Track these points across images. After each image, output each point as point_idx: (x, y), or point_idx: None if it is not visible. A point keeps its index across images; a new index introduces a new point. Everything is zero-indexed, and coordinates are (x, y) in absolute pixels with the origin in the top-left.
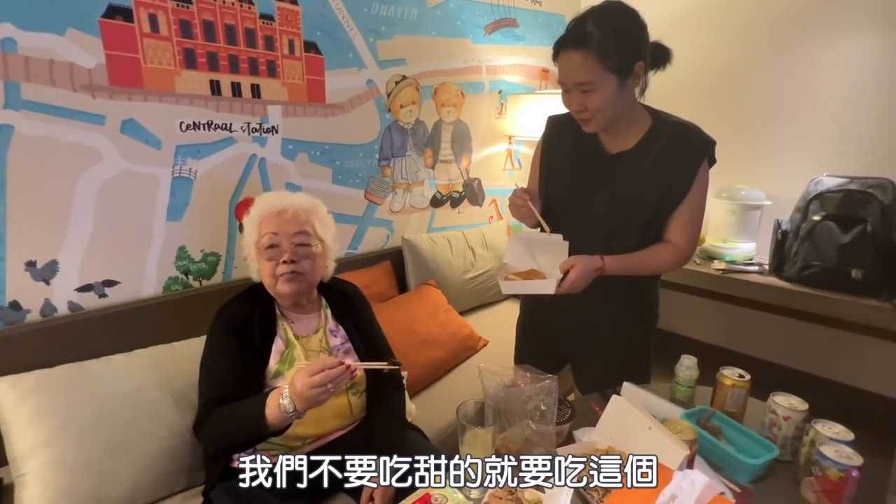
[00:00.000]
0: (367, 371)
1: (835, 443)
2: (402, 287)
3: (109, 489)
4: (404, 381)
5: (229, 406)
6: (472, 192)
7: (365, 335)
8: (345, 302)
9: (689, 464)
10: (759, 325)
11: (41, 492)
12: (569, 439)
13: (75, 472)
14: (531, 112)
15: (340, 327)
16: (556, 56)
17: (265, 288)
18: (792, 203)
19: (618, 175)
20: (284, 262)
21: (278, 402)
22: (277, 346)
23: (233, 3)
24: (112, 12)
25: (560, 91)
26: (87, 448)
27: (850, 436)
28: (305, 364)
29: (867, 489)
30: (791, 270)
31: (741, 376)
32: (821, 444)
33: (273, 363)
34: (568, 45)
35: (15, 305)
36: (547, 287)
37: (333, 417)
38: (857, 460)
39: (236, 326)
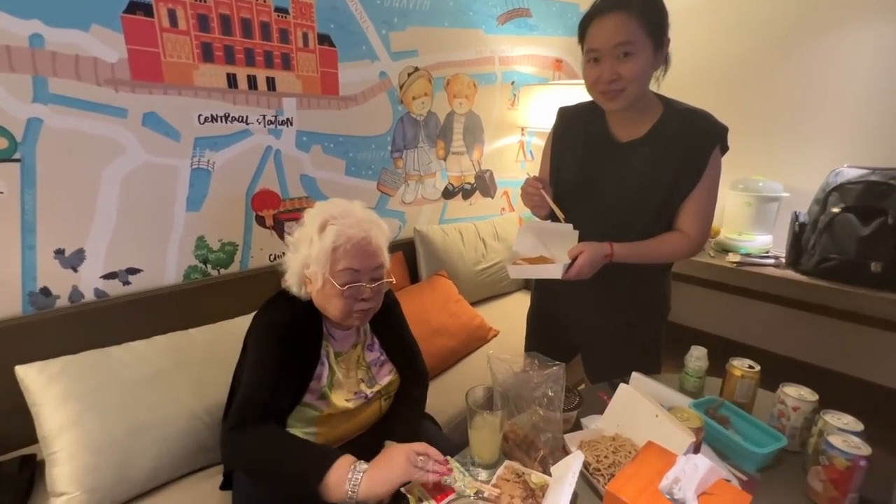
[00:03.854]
0: (399, 370)
1: (843, 433)
2: (414, 277)
3: (133, 467)
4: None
5: (284, 433)
6: (483, 184)
7: (399, 342)
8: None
9: (695, 451)
10: (774, 319)
11: (70, 469)
12: (576, 426)
13: (100, 452)
14: (544, 103)
15: (376, 339)
16: (588, 23)
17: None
18: (810, 195)
19: (629, 163)
20: (363, 299)
21: (346, 473)
22: (323, 366)
23: None
24: (133, 8)
25: (571, 82)
26: (111, 429)
27: (860, 426)
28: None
29: (875, 479)
30: (808, 263)
31: (751, 367)
32: (829, 433)
33: (320, 384)
34: (607, 9)
35: (45, 291)
36: (554, 272)
37: (364, 426)
38: (866, 450)
39: (285, 338)
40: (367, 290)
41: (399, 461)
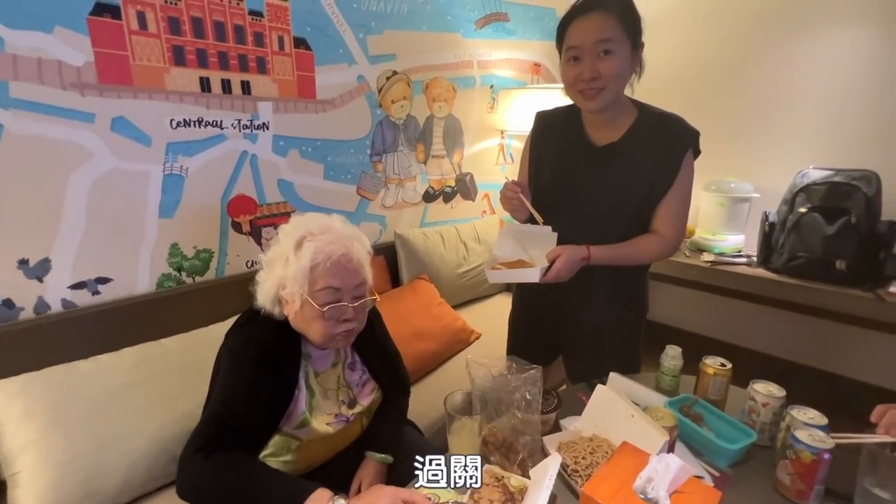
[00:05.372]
0: (381, 382)
1: (809, 427)
2: (396, 282)
3: (101, 482)
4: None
5: (252, 460)
6: (464, 187)
7: (381, 355)
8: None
9: (670, 449)
10: (747, 316)
11: (33, 489)
12: (556, 428)
13: (65, 467)
14: (523, 106)
15: (357, 357)
16: (568, 23)
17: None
18: (780, 195)
19: (605, 167)
20: (346, 319)
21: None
22: (300, 391)
23: (221, 0)
24: (100, 10)
25: (549, 86)
26: (76, 445)
27: (824, 420)
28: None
29: (840, 471)
30: (778, 262)
31: (723, 365)
32: (795, 428)
33: (299, 411)
34: (588, 8)
35: (8, 303)
36: (531, 275)
37: (344, 445)
38: (830, 444)
39: (262, 355)
40: (350, 310)
41: (384, 502)
